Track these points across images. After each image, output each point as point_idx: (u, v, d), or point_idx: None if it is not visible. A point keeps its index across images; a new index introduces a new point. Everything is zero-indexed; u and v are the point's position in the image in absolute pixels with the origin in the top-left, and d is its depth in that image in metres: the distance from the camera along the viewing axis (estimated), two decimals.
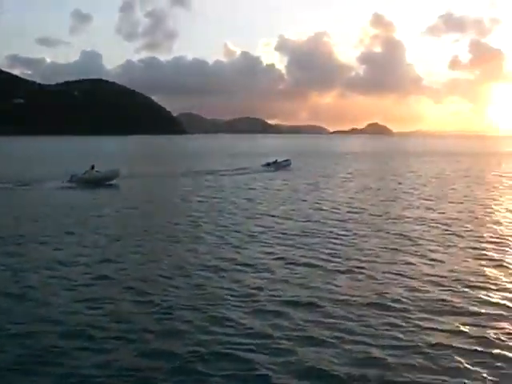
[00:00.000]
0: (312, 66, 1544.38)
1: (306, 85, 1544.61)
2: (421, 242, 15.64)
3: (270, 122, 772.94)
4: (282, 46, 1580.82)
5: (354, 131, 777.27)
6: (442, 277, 11.71)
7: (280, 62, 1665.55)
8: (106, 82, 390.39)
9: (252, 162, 53.32)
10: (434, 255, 13.86)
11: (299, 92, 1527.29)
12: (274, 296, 10.49)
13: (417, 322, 9.01)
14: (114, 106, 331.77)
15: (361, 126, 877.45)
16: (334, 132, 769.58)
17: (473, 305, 9.91)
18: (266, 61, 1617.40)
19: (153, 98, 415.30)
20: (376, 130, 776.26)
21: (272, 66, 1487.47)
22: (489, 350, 7.85)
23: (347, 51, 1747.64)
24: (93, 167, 32.68)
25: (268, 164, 46.65)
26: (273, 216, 20.68)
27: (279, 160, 47.44)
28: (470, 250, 14.54)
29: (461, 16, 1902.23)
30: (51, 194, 28.22)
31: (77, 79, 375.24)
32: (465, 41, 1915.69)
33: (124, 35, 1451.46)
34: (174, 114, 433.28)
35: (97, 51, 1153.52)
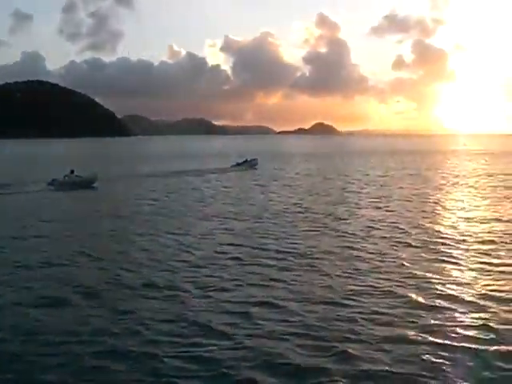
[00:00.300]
0: (257, 67, 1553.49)
1: (251, 85, 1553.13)
2: (370, 239, 15.99)
3: (216, 122, 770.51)
4: (228, 47, 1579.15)
5: (300, 131, 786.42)
6: (392, 272, 12.10)
7: (225, 63, 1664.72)
8: (49, 83, 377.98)
9: (211, 163, 54.70)
10: (383, 251, 14.23)
11: (245, 92, 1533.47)
12: (229, 295, 10.62)
13: (372, 315, 9.30)
14: (56, 108, 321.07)
15: (307, 125, 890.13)
16: (281, 132, 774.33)
17: (424, 297, 10.27)
18: (211, 61, 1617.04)
19: (97, 99, 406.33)
20: (322, 129, 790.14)
21: (217, 66, 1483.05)
22: (443, 341, 8.16)
23: (293, 51, 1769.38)
24: (72, 171, 32.90)
25: (238, 164, 48.15)
26: (225, 217, 20.76)
27: (248, 159, 49.52)
28: (418, 246, 14.99)
29: (404, 16, 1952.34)
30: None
31: (17, 80, 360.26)
32: (408, 41, 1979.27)
33: (67, 36, 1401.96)
34: (119, 116, 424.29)
35: (38, 52, 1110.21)
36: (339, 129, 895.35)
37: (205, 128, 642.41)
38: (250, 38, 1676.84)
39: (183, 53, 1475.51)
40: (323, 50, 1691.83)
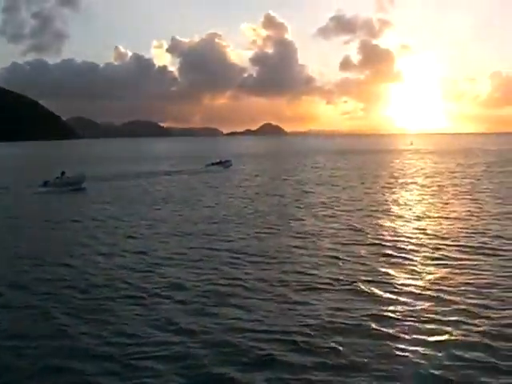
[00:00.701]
0: (205, 68, 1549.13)
1: (199, 87, 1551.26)
2: (322, 238, 16.11)
3: (163, 125, 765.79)
4: (174, 48, 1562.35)
5: (248, 132, 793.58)
6: (345, 268, 12.40)
7: (172, 64, 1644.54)
8: None
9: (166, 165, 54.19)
10: (336, 249, 14.44)
11: (192, 94, 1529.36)
12: (187, 293, 10.70)
13: (327, 309, 9.54)
14: None
15: (255, 126, 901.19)
16: (228, 134, 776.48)
17: (378, 290, 10.59)
18: (158, 63, 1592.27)
19: (41, 101, 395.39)
20: (270, 130, 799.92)
21: (164, 68, 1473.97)
22: (392, 332, 8.43)
23: (240, 52, 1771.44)
24: (63, 173, 33.28)
25: (213, 164, 50.52)
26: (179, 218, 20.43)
27: (222, 160, 51.69)
28: (369, 243, 15.28)
29: (350, 18, 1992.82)
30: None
31: None
32: (355, 42, 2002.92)
33: (9, 37, 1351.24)
34: (64, 119, 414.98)
35: None
36: (287, 129, 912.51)
37: (152, 130, 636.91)
38: (197, 38, 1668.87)
39: (129, 54, 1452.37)
40: (270, 50, 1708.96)
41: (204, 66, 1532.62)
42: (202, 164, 50.56)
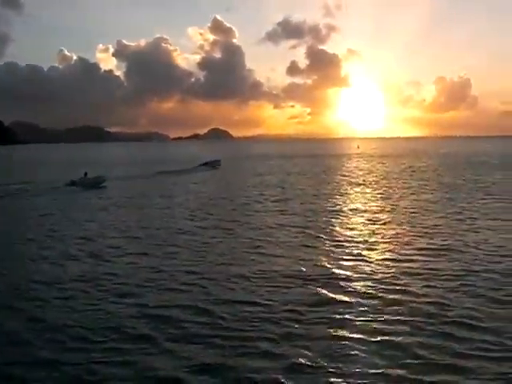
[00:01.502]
0: (152, 72, 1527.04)
1: (145, 91, 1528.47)
2: (274, 241, 16.53)
3: (109, 129, 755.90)
4: (121, 52, 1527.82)
5: (195, 137, 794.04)
6: (296, 270, 12.88)
7: (118, 68, 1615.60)
8: None
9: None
10: (285, 254, 14.71)
11: (139, 99, 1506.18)
12: (136, 300, 10.89)
13: (285, 314, 9.80)
14: None
15: (202, 131, 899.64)
16: (176, 138, 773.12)
17: (328, 292, 11.10)
18: (104, 67, 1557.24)
19: None
20: (217, 135, 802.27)
21: (110, 72, 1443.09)
22: (342, 333, 8.82)
23: (187, 57, 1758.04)
24: (86, 174, 37.75)
25: (206, 163, 56.76)
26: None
27: (211, 160, 57.94)
28: (318, 246, 15.76)
29: (298, 23, 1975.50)
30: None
31: None
32: (302, 47, 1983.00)
33: None
34: (6, 123, 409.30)
35: None
36: (234, 134, 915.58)
37: (98, 135, 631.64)
38: (143, 42, 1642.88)
39: (74, 57, 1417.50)
40: (218, 55, 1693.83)
41: (151, 70, 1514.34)
42: (150, 170, 51.54)
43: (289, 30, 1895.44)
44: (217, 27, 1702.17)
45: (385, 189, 32.82)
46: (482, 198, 27.18)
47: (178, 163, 65.31)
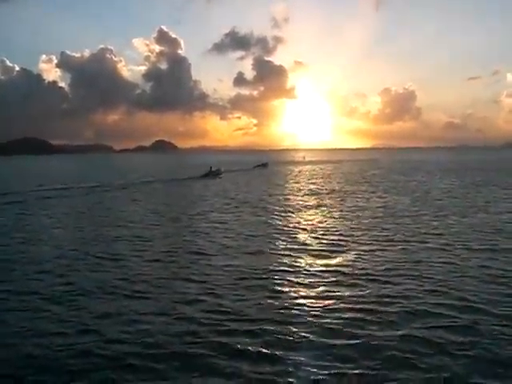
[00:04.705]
0: (96, 84, 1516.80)
1: (90, 103, 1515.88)
2: (224, 249, 16.66)
3: (53, 142, 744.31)
4: (65, 63, 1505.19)
5: (140, 149, 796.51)
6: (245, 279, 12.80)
7: (62, 80, 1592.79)
8: None
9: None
10: (238, 264, 14.49)
11: (84, 110, 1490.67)
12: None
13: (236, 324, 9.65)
14: None
15: (147, 143, 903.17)
16: (121, 150, 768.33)
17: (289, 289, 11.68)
18: (47, 78, 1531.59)
19: None
20: (162, 146, 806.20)
21: (54, 83, 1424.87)
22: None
23: (132, 68, 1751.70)
24: (211, 168, 60.32)
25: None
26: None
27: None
28: (272, 251, 16.18)
29: (245, 34, 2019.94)
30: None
31: None
32: (249, 58, 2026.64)
33: None
34: None
35: None
36: (180, 145, 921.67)
37: (42, 148, 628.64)
38: (87, 53, 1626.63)
39: (17, 68, 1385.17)
40: (164, 66, 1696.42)
41: (96, 81, 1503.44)
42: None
43: (236, 41, 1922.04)
44: (162, 38, 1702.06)
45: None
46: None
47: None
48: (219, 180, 56.50)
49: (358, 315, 10.10)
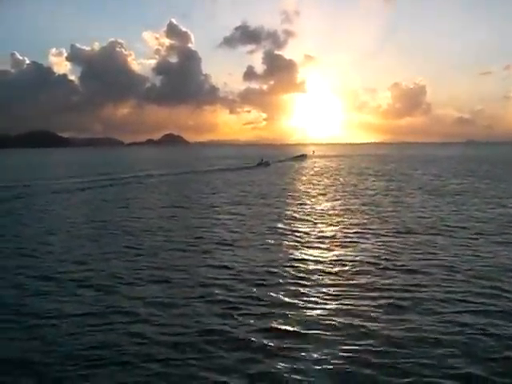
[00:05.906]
0: (106, 77, 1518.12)
1: (100, 96, 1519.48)
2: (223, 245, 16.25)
3: (62, 135, 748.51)
4: (75, 56, 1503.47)
5: (149, 142, 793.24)
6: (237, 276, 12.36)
7: (72, 73, 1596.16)
8: None
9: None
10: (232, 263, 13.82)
11: (94, 103, 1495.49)
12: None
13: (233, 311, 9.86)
14: None
15: (156, 137, 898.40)
16: (130, 144, 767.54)
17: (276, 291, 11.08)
18: (57, 71, 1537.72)
19: None
20: (172, 140, 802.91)
21: (64, 76, 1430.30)
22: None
23: (142, 61, 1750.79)
24: (262, 159, 73.63)
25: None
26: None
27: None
28: (276, 244, 16.17)
29: (256, 28, 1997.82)
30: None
31: None
32: (260, 52, 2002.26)
33: None
34: None
35: None
36: (189, 139, 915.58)
37: (52, 141, 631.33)
38: (97, 47, 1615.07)
39: (27, 62, 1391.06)
40: (174, 60, 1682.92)
41: (105, 74, 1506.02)
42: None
43: (247, 35, 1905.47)
44: (172, 31, 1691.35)
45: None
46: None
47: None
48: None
49: (391, 301, 10.39)
